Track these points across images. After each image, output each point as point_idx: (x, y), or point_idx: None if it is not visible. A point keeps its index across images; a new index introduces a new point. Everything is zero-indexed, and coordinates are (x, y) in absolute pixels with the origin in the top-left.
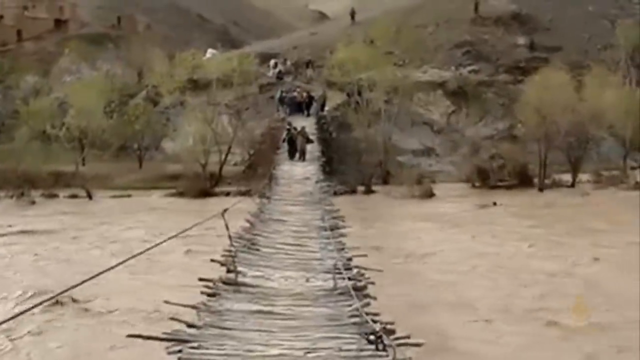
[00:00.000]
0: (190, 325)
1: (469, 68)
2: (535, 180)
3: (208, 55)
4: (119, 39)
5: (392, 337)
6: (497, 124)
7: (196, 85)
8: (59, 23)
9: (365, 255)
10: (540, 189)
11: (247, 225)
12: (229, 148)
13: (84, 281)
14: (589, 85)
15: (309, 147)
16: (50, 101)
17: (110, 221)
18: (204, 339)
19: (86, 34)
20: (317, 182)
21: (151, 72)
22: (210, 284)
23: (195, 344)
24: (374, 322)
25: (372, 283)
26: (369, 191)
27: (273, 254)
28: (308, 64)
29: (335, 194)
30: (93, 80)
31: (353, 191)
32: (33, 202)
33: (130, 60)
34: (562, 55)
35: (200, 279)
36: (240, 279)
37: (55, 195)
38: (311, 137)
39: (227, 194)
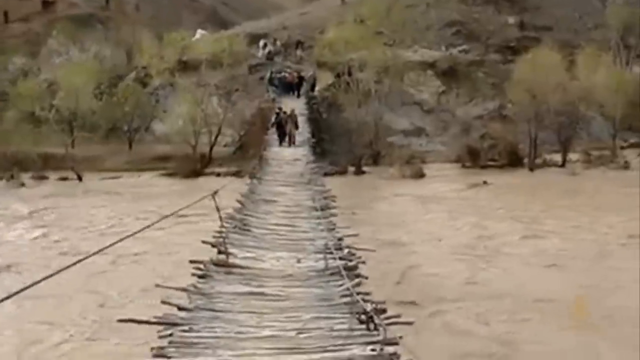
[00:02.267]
0: (181, 308)
1: (460, 48)
2: (526, 160)
3: (197, 36)
4: (107, 20)
5: (382, 316)
6: (487, 104)
7: (186, 66)
8: (47, 4)
9: (356, 235)
10: (531, 169)
11: (238, 206)
12: (219, 129)
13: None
14: (580, 64)
15: (298, 129)
16: (38, 83)
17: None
18: (194, 321)
19: (74, 15)
20: (307, 163)
21: (140, 53)
22: (201, 266)
23: (186, 327)
24: (365, 301)
25: (363, 262)
26: (359, 172)
27: (264, 234)
28: (298, 44)
29: (325, 174)
30: (82, 61)
31: (343, 172)
32: (22, 185)
33: (119, 41)
34: (552, 34)
35: (191, 261)
36: (231, 260)
37: (45, 178)
38: (301, 117)
39: (218, 174)
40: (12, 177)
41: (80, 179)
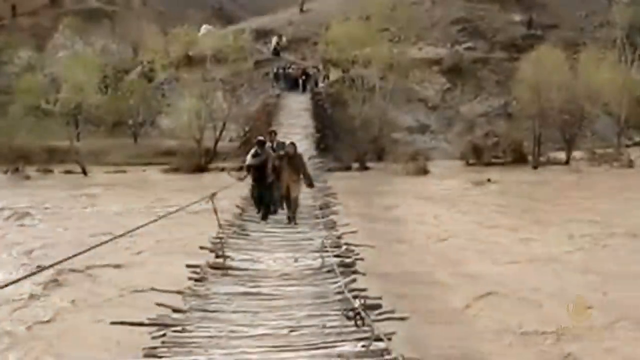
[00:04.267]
0: (175, 310)
1: (465, 45)
2: (530, 157)
3: (203, 31)
4: (114, 15)
5: (376, 311)
6: (492, 101)
7: (191, 61)
8: None
9: (355, 232)
10: (535, 167)
11: (238, 208)
12: (224, 124)
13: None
14: (585, 63)
15: (302, 122)
16: (44, 76)
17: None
18: (188, 322)
19: (81, 10)
20: (310, 158)
21: (146, 47)
22: (198, 269)
23: (179, 328)
24: (357, 297)
25: (361, 259)
26: (363, 168)
27: (262, 237)
28: (303, 40)
29: (329, 170)
30: (88, 55)
31: (347, 168)
32: (27, 178)
33: (125, 36)
34: (558, 32)
35: (188, 265)
36: (228, 262)
37: (49, 171)
38: (305, 112)
39: (222, 169)
40: (17, 170)
41: (85, 172)
